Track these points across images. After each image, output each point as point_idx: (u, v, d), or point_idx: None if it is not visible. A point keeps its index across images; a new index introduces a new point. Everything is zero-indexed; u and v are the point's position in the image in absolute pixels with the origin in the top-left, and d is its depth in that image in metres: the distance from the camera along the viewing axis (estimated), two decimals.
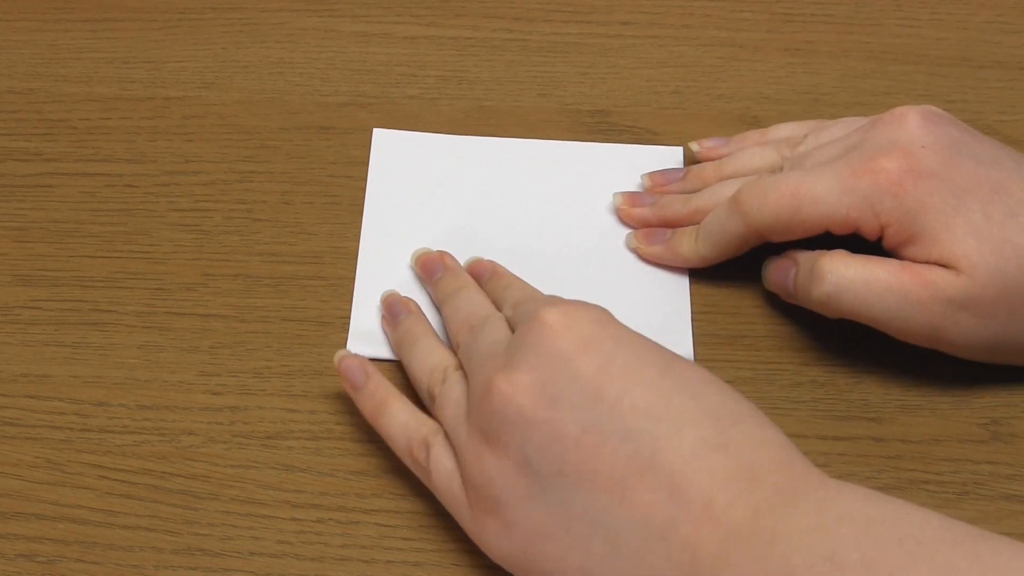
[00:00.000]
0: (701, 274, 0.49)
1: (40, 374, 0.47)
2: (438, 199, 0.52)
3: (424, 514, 0.43)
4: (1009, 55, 0.57)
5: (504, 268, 0.48)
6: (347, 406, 0.46)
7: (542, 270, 0.49)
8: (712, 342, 0.48)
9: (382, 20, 0.59)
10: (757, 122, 0.55)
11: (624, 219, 0.50)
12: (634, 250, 0.50)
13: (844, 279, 0.43)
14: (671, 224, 0.49)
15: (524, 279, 0.48)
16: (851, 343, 0.47)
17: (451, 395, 0.41)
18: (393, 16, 0.59)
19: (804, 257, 0.45)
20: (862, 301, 0.43)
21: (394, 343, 0.46)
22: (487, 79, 0.57)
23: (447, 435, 0.40)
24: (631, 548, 0.34)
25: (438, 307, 0.47)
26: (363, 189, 0.52)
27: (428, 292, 0.49)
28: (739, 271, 0.49)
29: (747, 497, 0.34)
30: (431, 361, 0.43)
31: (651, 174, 0.51)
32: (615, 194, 0.51)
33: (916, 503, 0.43)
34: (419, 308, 0.47)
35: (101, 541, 0.42)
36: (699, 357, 0.47)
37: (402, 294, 0.48)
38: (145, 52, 0.58)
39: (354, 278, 0.49)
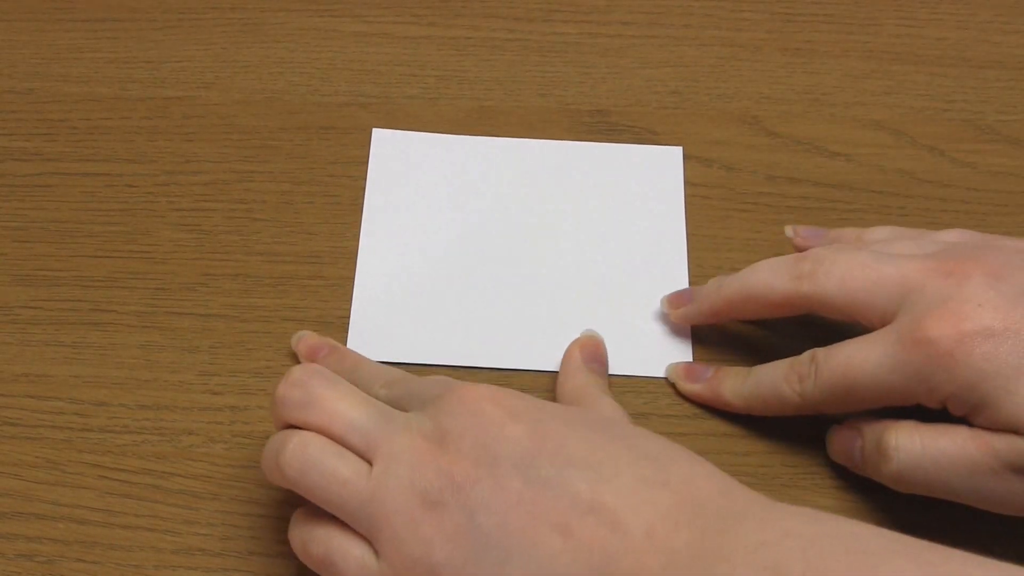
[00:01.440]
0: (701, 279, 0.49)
1: (40, 374, 0.47)
2: (438, 199, 0.52)
3: None
4: (1009, 55, 0.57)
5: (346, 348, 0.44)
6: None
7: (541, 271, 0.50)
8: (712, 339, 0.48)
9: (382, 20, 0.59)
10: (757, 122, 0.55)
11: (680, 391, 0.46)
12: (673, 382, 0.47)
13: (911, 457, 0.40)
14: (724, 406, 0.45)
15: (525, 281, 0.48)
16: None
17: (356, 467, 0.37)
18: (393, 16, 0.59)
19: (869, 429, 0.42)
20: (933, 478, 0.39)
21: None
22: (487, 79, 0.57)
23: (348, 526, 0.37)
24: None
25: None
26: (363, 189, 0.52)
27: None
28: None
29: (690, 523, 0.33)
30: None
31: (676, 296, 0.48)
32: (669, 366, 0.47)
33: (916, 502, 0.43)
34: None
35: (101, 541, 0.42)
36: (698, 360, 0.47)
37: (404, 293, 0.48)
38: (145, 52, 0.58)
39: (354, 278, 0.49)
